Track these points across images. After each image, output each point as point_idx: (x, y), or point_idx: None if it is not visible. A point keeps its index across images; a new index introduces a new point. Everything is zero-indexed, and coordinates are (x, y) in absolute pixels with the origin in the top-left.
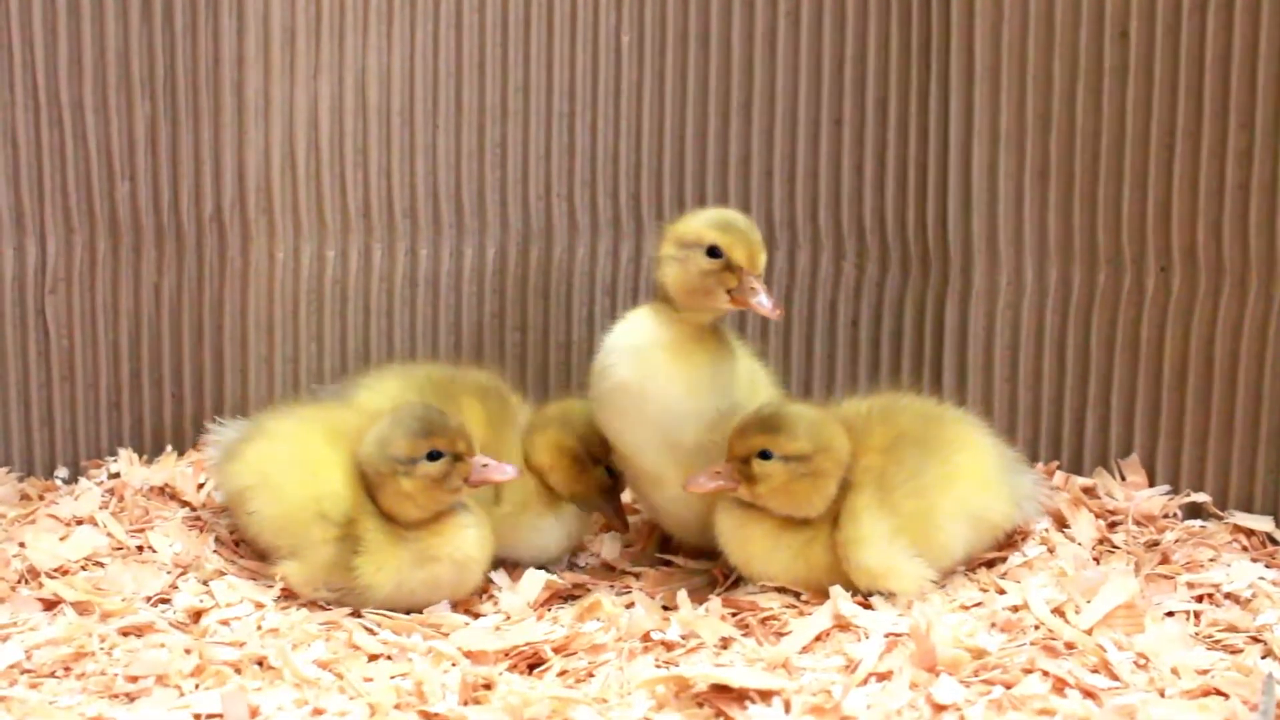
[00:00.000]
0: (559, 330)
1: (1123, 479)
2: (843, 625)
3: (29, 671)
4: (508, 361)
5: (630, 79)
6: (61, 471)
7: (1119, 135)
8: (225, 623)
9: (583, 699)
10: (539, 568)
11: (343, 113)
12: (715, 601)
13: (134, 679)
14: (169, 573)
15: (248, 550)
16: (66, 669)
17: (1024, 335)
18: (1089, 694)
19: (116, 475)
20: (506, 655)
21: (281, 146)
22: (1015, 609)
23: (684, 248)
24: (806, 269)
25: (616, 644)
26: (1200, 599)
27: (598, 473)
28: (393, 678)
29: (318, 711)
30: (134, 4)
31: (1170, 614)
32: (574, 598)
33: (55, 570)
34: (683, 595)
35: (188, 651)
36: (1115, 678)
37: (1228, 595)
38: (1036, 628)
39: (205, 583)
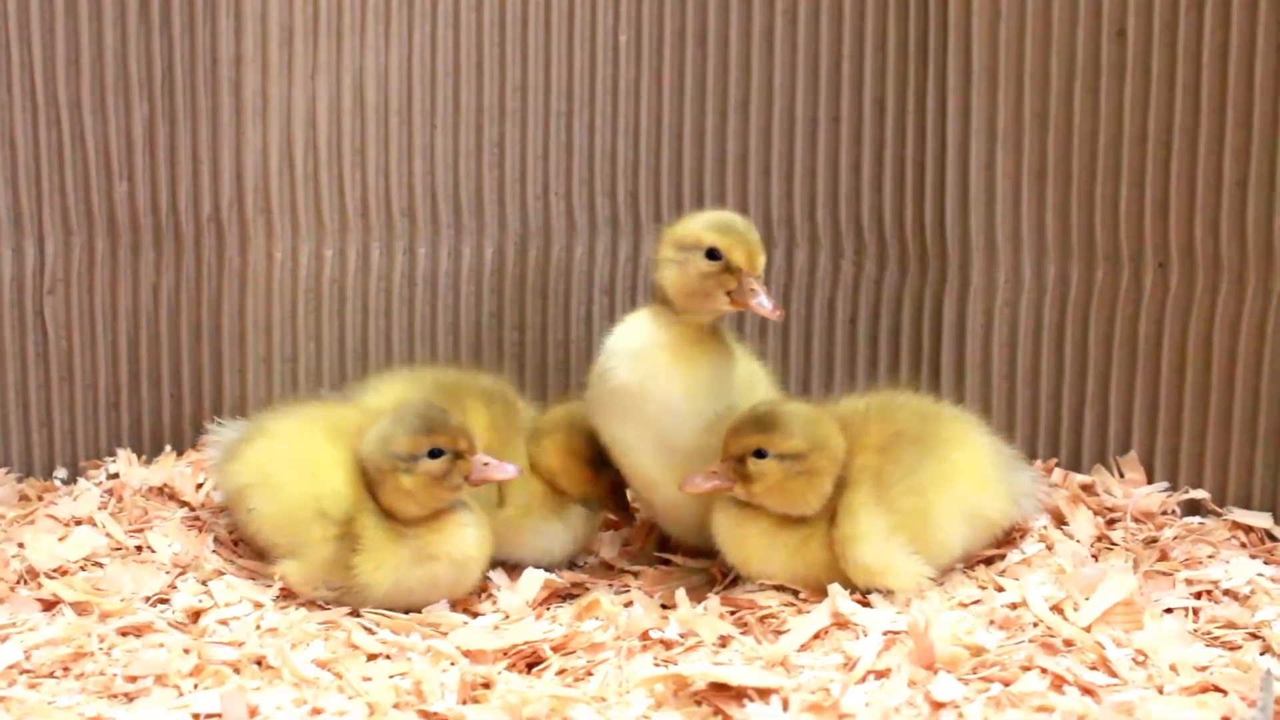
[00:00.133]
0: (557, 329)
1: (1121, 476)
2: (841, 623)
3: (28, 672)
4: (506, 361)
5: (628, 78)
6: (60, 472)
7: (1116, 133)
8: (224, 622)
9: (581, 698)
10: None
11: (340, 112)
12: (713, 600)
13: (133, 679)
14: (168, 573)
15: (247, 550)
16: (65, 669)
17: (1022, 333)
18: (1087, 691)
19: (115, 476)
20: (505, 654)
21: (279, 146)
22: (1014, 606)
23: (682, 250)
24: (804, 267)
25: (615, 643)
26: (1199, 595)
27: (610, 474)
28: (391, 677)
29: (316, 711)
30: (132, 4)
31: (1169, 611)
32: (573, 597)
33: (54, 570)
34: (681, 594)
35: (186, 651)
36: (1114, 675)
37: (1226, 592)
38: (1035, 625)
39: (204, 583)
